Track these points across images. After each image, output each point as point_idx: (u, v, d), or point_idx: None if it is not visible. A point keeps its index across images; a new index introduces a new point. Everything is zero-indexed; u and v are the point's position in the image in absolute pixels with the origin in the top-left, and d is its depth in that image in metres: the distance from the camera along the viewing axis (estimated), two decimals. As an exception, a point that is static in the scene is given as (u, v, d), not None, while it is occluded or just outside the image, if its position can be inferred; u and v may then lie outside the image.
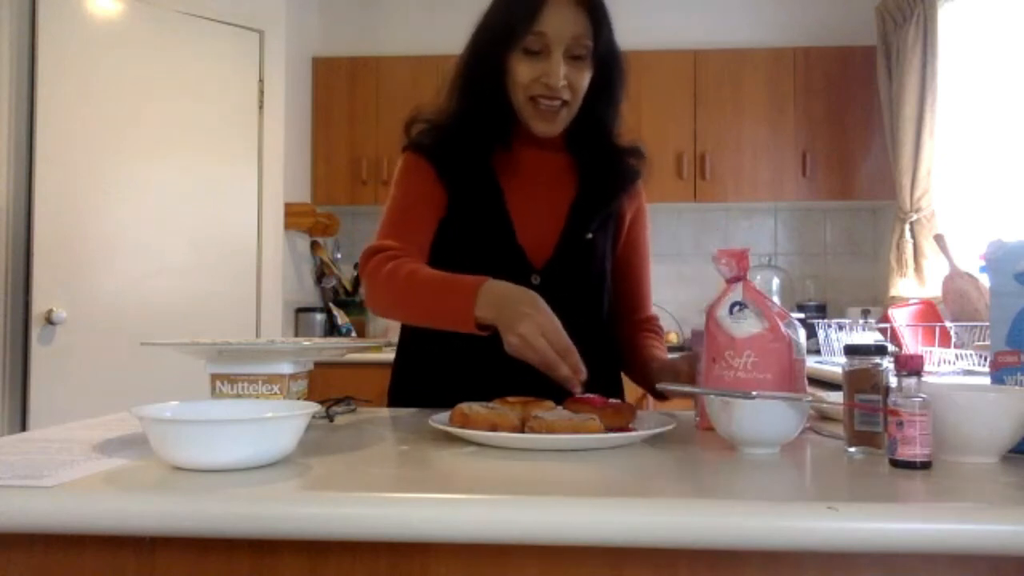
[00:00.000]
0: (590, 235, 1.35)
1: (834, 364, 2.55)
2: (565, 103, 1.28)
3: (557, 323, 1.07)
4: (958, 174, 3.11)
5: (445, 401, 1.13)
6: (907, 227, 3.21)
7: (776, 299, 3.52)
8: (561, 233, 1.33)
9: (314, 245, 3.77)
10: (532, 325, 1.05)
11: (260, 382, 1.07)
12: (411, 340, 1.44)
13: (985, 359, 2.05)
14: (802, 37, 3.68)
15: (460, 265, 1.25)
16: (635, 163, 1.43)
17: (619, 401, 1.08)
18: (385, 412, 1.31)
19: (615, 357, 1.45)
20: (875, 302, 3.51)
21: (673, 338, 3.49)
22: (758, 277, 3.59)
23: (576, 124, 1.34)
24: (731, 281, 1.02)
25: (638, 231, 1.47)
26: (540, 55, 1.25)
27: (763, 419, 0.92)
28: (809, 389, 1.02)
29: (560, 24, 1.23)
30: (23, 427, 2.59)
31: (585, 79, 1.28)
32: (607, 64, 1.31)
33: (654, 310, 1.52)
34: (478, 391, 1.14)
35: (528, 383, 1.15)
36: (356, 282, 3.82)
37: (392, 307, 1.26)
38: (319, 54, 3.76)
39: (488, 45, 1.29)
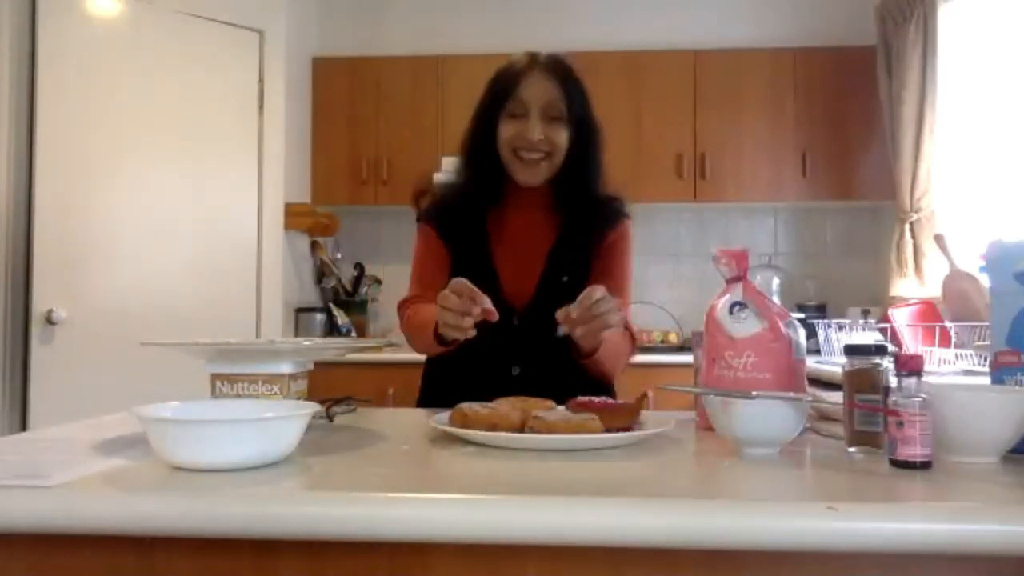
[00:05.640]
0: (566, 278, 1.51)
1: (834, 364, 2.55)
2: (547, 155, 1.49)
3: (454, 287, 1.24)
4: (958, 174, 3.10)
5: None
6: (907, 227, 3.20)
7: (776, 299, 3.52)
8: (540, 279, 1.52)
9: (314, 245, 3.77)
10: (439, 311, 1.25)
11: (260, 382, 1.07)
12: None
13: (985, 359, 2.05)
14: (802, 37, 3.68)
15: None
16: (618, 207, 1.60)
17: (621, 402, 1.08)
18: (385, 412, 1.31)
19: (601, 388, 1.50)
20: (875, 302, 3.50)
21: (673, 338, 3.49)
22: (758, 277, 3.59)
23: (559, 183, 1.54)
24: (731, 281, 1.02)
25: (612, 256, 1.57)
26: (521, 118, 1.49)
27: (763, 419, 0.92)
28: (809, 389, 1.02)
29: (535, 91, 1.49)
30: (23, 427, 2.59)
31: (562, 136, 1.50)
32: (582, 128, 1.53)
33: (644, 314, 1.58)
34: (501, 393, 1.22)
35: (551, 386, 1.27)
36: (356, 282, 3.82)
37: (410, 344, 1.54)
38: (319, 54, 3.76)
39: (482, 114, 1.56)
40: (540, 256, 1.54)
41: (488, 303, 1.22)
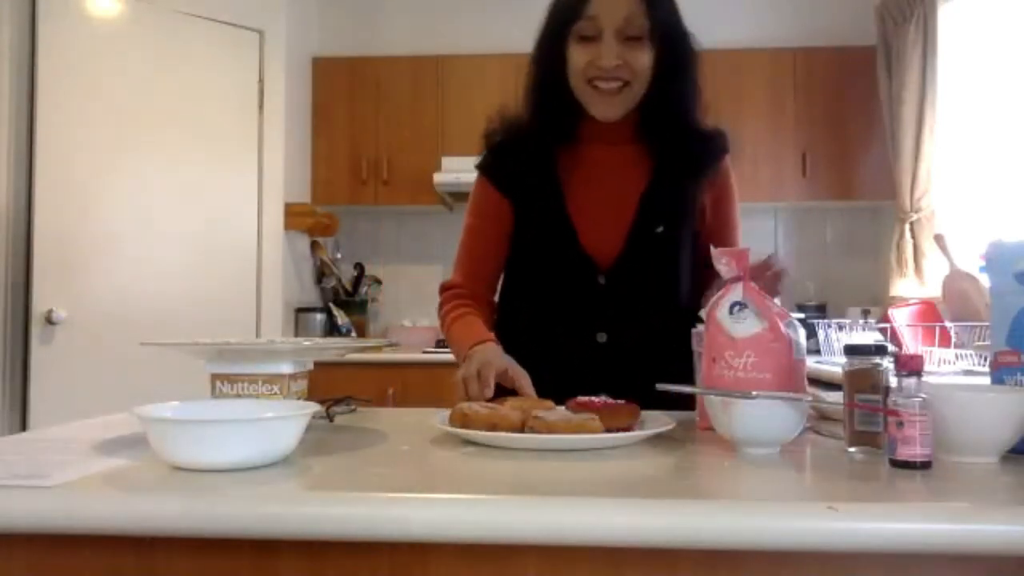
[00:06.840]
0: (661, 228, 1.31)
1: (834, 364, 2.54)
2: (626, 84, 1.27)
3: (483, 371, 1.14)
4: (958, 174, 3.10)
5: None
6: (907, 227, 3.21)
7: (776, 299, 3.51)
8: (629, 229, 1.30)
9: (314, 245, 3.77)
10: (462, 370, 1.18)
11: (260, 382, 1.07)
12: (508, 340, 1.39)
13: (985, 359, 2.04)
14: (802, 37, 3.68)
15: (530, 275, 1.34)
16: (720, 143, 1.41)
17: (621, 402, 1.08)
18: (385, 412, 1.31)
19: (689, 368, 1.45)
20: (875, 302, 3.50)
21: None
22: (758, 277, 3.58)
23: (648, 110, 1.31)
24: (731, 281, 1.02)
25: (721, 212, 1.42)
26: (594, 40, 1.25)
27: (763, 419, 0.92)
28: (809, 389, 1.02)
29: (608, 5, 1.24)
30: (23, 427, 2.59)
31: (643, 59, 1.27)
32: (670, 44, 1.30)
33: None
34: (586, 365, 1.18)
35: (642, 355, 1.23)
36: (356, 282, 3.82)
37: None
38: (319, 54, 3.76)
39: (547, 39, 1.31)
40: (628, 201, 1.30)
41: (525, 382, 1.13)
